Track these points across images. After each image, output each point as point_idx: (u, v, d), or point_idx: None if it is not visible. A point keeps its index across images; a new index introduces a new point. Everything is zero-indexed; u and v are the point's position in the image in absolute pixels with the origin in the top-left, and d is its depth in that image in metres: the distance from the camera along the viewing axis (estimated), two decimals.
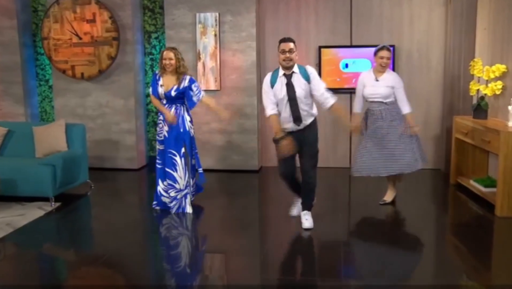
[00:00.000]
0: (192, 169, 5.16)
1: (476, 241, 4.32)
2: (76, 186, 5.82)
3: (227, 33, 6.75)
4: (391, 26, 6.80)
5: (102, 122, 7.15)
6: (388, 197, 5.32)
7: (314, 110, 4.51)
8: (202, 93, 5.10)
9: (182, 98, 5.03)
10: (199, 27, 6.74)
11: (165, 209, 5.15)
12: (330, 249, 4.21)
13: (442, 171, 6.75)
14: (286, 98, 4.33)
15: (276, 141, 4.34)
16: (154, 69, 7.27)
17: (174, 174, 4.99)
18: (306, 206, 4.61)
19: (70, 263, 4.10)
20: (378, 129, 5.00)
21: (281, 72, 4.38)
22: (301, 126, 4.41)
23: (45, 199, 5.42)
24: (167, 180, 5.04)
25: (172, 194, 5.04)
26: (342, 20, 6.87)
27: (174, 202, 5.06)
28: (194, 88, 5.02)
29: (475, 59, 5.84)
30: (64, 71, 7.04)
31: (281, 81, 4.35)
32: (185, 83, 4.99)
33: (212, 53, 6.73)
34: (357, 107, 5.21)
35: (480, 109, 5.61)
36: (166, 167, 5.02)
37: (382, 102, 4.99)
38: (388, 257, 4.06)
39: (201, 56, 6.75)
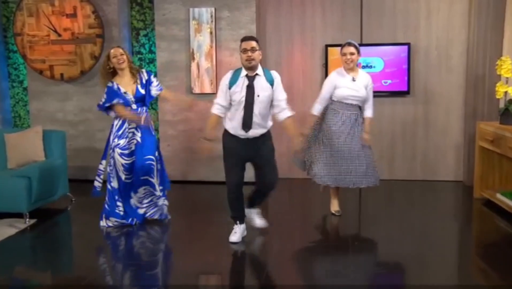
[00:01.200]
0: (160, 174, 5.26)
1: (505, 263, 4.20)
2: (54, 200, 5.77)
3: (224, 30, 6.73)
4: (406, 22, 6.76)
5: (85, 128, 7.10)
6: (337, 206, 5.39)
7: (269, 123, 4.53)
8: (161, 86, 5.23)
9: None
10: (193, 24, 6.70)
11: (138, 221, 5.18)
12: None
13: (464, 183, 6.71)
14: (243, 100, 4.35)
15: (206, 139, 4.46)
16: (142, 69, 7.05)
17: (153, 180, 5.09)
18: (259, 204, 4.79)
19: (46, 288, 3.99)
20: (344, 135, 5.04)
21: (243, 72, 4.39)
22: (249, 135, 4.43)
23: (19, 215, 5.35)
24: (146, 187, 5.11)
25: (154, 200, 5.17)
26: (351, 15, 6.83)
27: (155, 209, 5.19)
28: (154, 80, 5.13)
29: (503, 58, 5.74)
30: (41, 72, 6.97)
31: (242, 82, 4.37)
32: (145, 76, 5.09)
33: (207, 53, 6.71)
34: (318, 109, 5.19)
35: (508, 113, 5.52)
36: (143, 176, 5.06)
37: (359, 106, 5.07)
38: (402, 280, 4.01)
39: (195, 56, 6.72)
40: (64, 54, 6.84)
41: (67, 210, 5.86)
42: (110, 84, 5.03)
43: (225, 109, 4.48)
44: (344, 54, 5.05)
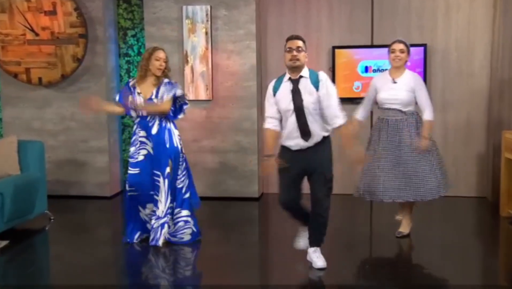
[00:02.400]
0: (179, 194, 5.18)
1: None
2: (31, 219, 5.70)
3: (221, 30, 6.71)
4: (422, 21, 6.70)
5: (66, 138, 7.02)
6: (405, 228, 5.26)
7: (325, 130, 4.43)
8: (170, 94, 5.10)
9: None
10: (186, 23, 6.67)
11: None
12: None
13: (488, 199, 6.62)
14: (291, 107, 4.30)
15: (265, 157, 4.45)
16: (131, 74, 7.25)
17: (156, 197, 5.06)
18: (316, 242, 4.52)
19: None
20: (393, 144, 5.00)
21: (286, 76, 4.39)
22: (310, 143, 4.34)
23: None
24: (149, 205, 5.14)
25: (152, 221, 5.11)
26: (361, 14, 6.78)
27: (154, 233, 5.10)
28: (168, 97, 5.05)
29: None
30: (15, 75, 6.89)
31: (286, 87, 4.35)
32: (165, 87, 5.06)
33: (202, 55, 6.68)
34: (361, 114, 5.21)
35: None
36: (150, 191, 5.09)
37: (400, 110, 5.01)
38: None
39: (189, 58, 6.71)
40: (43, 56, 6.76)
41: (45, 230, 5.79)
42: (130, 80, 5.20)
43: (277, 121, 4.42)
44: (393, 51, 5.04)
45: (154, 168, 5.03)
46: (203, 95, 6.68)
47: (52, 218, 5.95)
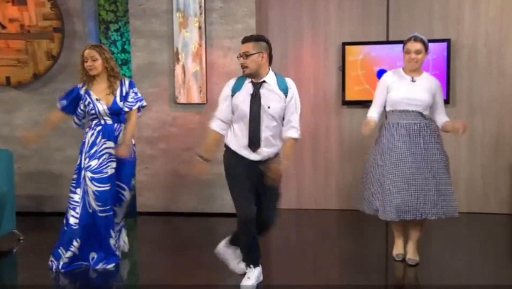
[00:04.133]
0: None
1: None
2: None
3: (216, 25, 6.69)
4: (446, 12, 6.63)
5: (39, 147, 6.85)
6: (402, 249, 5.19)
7: (279, 142, 4.53)
8: (140, 103, 5.16)
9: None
10: (177, 17, 6.63)
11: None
12: None
13: None
14: (247, 112, 4.38)
15: (201, 158, 4.48)
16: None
17: (117, 209, 5.19)
18: (255, 262, 4.64)
19: None
20: (416, 152, 4.84)
21: (248, 78, 4.46)
22: (259, 156, 4.41)
23: None
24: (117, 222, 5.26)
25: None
26: (375, 5, 6.76)
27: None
28: (133, 95, 5.10)
29: None
30: None
31: (247, 90, 4.41)
32: (126, 87, 5.07)
33: (195, 53, 6.65)
34: (373, 112, 5.05)
35: None
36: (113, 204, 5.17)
37: (420, 113, 4.88)
38: None
39: (180, 56, 6.67)
40: (11, 52, 6.70)
41: (13, 252, 5.74)
42: (79, 85, 5.09)
43: (226, 124, 4.50)
44: (407, 52, 4.90)
45: (118, 179, 5.06)
46: (196, 98, 6.66)
47: (21, 238, 5.90)
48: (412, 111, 4.85)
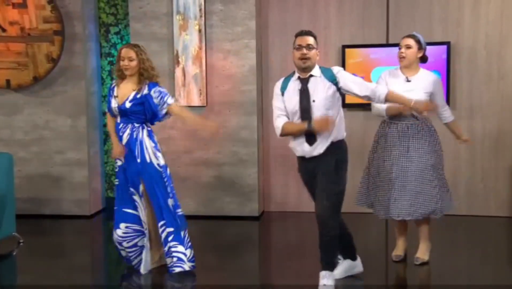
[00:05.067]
0: (164, 213, 5.01)
1: None
2: None
3: (216, 27, 6.67)
4: (446, 14, 6.61)
5: (39, 150, 6.95)
6: (402, 250, 5.22)
7: (341, 131, 4.47)
8: (169, 99, 4.98)
9: (143, 114, 4.96)
10: (177, 19, 6.61)
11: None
12: None
13: None
14: (298, 109, 4.39)
15: (308, 125, 4.32)
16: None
17: (137, 213, 5.01)
18: (325, 265, 4.48)
19: None
20: (402, 152, 4.90)
21: (295, 75, 4.46)
22: (317, 150, 4.37)
23: None
24: (127, 223, 5.02)
25: (138, 242, 5.01)
26: (375, 8, 6.72)
27: (133, 252, 5.05)
28: (155, 95, 4.92)
29: None
30: None
31: (294, 86, 4.42)
32: (145, 90, 4.93)
33: (195, 56, 6.63)
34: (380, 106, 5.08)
35: None
36: (124, 208, 5.02)
37: (412, 115, 4.91)
38: None
39: (180, 59, 6.66)
40: (11, 55, 6.70)
41: (12, 255, 5.72)
42: (113, 82, 5.12)
43: (287, 115, 4.48)
44: (399, 48, 4.98)
45: (128, 183, 4.99)
46: (196, 100, 6.64)
47: (21, 241, 5.87)
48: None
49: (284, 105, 4.43)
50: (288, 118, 4.43)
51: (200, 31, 6.54)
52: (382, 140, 5.02)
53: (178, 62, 6.61)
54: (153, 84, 4.97)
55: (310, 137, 4.34)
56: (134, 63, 4.89)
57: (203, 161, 6.77)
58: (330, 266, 4.48)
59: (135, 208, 4.99)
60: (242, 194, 6.76)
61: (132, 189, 4.98)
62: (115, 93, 4.99)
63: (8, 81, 6.73)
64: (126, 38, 7.13)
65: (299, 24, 6.69)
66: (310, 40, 4.35)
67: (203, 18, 6.52)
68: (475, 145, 6.51)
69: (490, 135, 6.57)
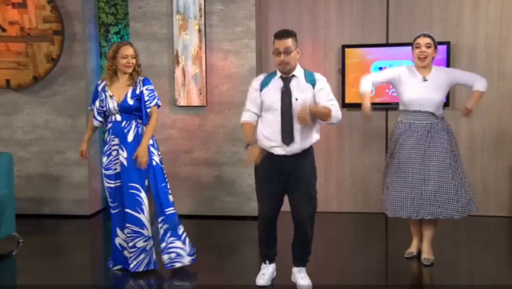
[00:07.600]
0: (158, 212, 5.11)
1: None
2: None
3: (216, 27, 6.68)
4: (446, 15, 6.62)
5: (39, 150, 6.97)
6: (415, 248, 5.27)
7: (314, 136, 4.51)
8: (156, 101, 5.04)
9: (142, 109, 5.01)
10: (177, 19, 6.61)
11: (127, 268, 5.06)
12: None
13: None
14: (278, 106, 4.40)
15: (247, 146, 4.46)
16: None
17: (140, 216, 4.92)
18: (301, 261, 4.67)
19: None
20: (420, 152, 4.90)
21: (278, 74, 4.48)
22: (293, 150, 4.39)
23: None
24: (130, 226, 4.94)
25: (140, 244, 4.93)
26: (375, 8, 6.73)
27: (142, 256, 4.96)
28: (147, 92, 4.98)
29: None
30: None
31: (276, 85, 4.44)
32: (141, 85, 4.98)
33: (195, 55, 6.63)
34: (368, 84, 5.09)
35: None
36: (127, 208, 4.93)
37: (432, 114, 4.92)
38: None
39: (180, 59, 6.65)
40: (11, 55, 6.70)
41: (12, 255, 5.69)
42: (99, 81, 5.07)
43: (257, 116, 4.54)
44: (417, 46, 4.92)
45: (130, 180, 4.93)
46: (196, 100, 6.63)
47: (20, 241, 5.88)
48: (424, 112, 4.88)
49: (259, 100, 4.44)
50: (257, 115, 4.47)
51: (200, 31, 6.54)
52: (402, 139, 5.01)
53: (178, 62, 6.61)
54: (147, 80, 5.02)
55: (285, 139, 4.37)
56: (134, 60, 4.93)
57: (203, 161, 6.78)
58: (304, 262, 4.61)
59: (140, 209, 4.95)
60: (242, 194, 6.75)
61: (135, 185, 4.92)
62: (109, 93, 4.96)
63: (8, 81, 6.73)
64: (126, 38, 7.10)
65: (299, 24, 6.73)
66: (288, 42, 4.32)
67: (203, 18, 6.52)
68: (475, 145, 6.60)
69: (489, 135, 6.57)
